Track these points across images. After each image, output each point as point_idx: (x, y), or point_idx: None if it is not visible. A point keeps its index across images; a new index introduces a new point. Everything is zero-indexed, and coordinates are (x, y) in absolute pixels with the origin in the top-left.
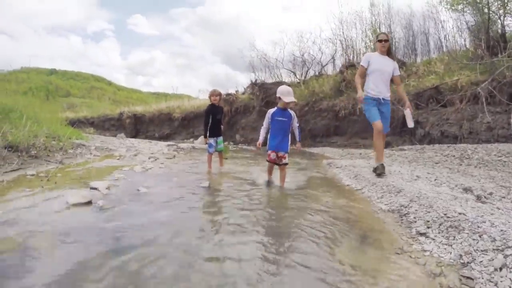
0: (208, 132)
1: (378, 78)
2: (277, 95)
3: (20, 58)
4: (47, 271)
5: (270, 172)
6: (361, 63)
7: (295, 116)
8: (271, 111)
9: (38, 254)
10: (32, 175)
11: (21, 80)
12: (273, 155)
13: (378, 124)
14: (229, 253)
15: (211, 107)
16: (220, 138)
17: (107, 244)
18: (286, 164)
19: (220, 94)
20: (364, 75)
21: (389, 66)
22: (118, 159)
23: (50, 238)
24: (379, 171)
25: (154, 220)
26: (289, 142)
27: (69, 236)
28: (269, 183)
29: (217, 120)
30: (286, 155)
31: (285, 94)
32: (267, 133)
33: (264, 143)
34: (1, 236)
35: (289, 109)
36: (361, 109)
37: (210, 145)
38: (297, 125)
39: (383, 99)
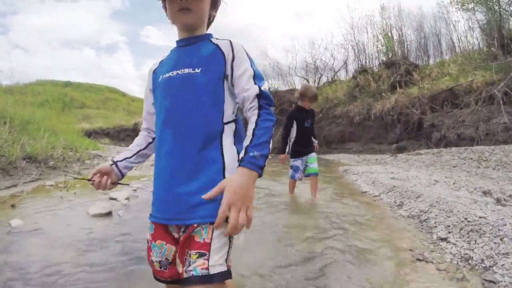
0: (290, 147)
1: None
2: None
3: (36, 71)
4: (70, 281)
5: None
6: None
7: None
8: None
9: (61, 265)
10: (51, 185)
11: (37, 93)
12: None
13: None
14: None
15: (296, 111)
16: (313, 156)
17: (130, 254)
18: None
19: (316, 97)
20: None
21: None
22: (136, 169)
23: (73, 249)
24: None
25: None
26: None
27: (92, 246)
28: None
29: (305, 130)
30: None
31: None
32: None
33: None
34: (23, 246)
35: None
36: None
37: (295, 169)
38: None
39: None
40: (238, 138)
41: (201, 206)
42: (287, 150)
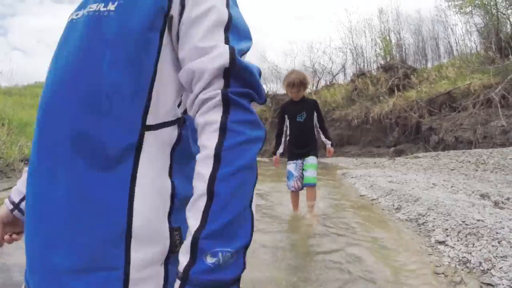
0: (282, 147)
1: None
2: None
3: (34, 73)
4: None
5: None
6: None
7: None
8: None
9: None
10: None
11: (36, 95)
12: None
13: None
14: None
15: (286, 103)
16: (310, 161)
17: None
18: None
19: (301, 84)
20: None
21: None
22: None
23: None
24: None
25: None
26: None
27: None
28: None
29: (298, 125)
30: None
31: None
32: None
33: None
34: (22, 248)
35: None
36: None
37: (289, 175)
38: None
39: None
40: (180, 157)
41: None
42: (279, 150)
